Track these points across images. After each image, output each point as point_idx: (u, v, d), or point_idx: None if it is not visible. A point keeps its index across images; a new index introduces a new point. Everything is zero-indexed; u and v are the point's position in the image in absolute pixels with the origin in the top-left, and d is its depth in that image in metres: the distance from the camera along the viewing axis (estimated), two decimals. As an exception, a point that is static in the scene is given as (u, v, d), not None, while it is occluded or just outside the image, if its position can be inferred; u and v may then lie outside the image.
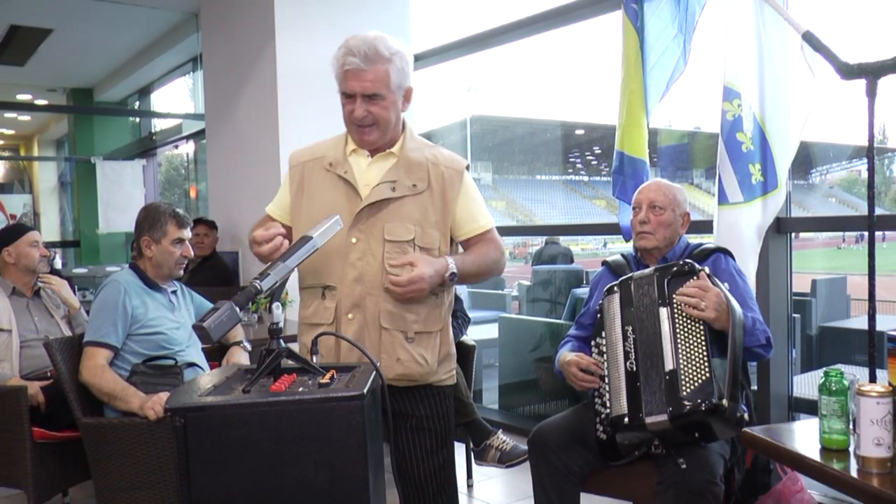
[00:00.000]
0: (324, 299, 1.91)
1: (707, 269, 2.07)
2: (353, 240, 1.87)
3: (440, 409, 1.98)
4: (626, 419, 1.98)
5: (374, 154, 1.94)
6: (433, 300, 1.91)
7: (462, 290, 4.50)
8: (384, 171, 1.91)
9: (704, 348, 1.93)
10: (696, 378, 1.90)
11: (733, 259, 2.33)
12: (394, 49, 1.86)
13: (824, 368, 1.59)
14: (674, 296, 2.01)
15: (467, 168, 1.98)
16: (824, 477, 1.51)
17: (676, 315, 1.99)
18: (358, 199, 1.89)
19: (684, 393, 1.88)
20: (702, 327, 1.96)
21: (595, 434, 2.13)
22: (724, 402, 1.84)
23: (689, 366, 1.92)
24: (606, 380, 2.10)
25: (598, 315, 2.20)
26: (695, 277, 2.03)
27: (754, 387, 2.93)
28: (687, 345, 1.95)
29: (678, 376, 1.91)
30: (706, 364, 1.91)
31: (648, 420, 1.93)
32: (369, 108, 1.86)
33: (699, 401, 1.85)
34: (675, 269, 2.07)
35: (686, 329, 1.97)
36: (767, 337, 2.13)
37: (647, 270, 2.14)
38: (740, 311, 1.99)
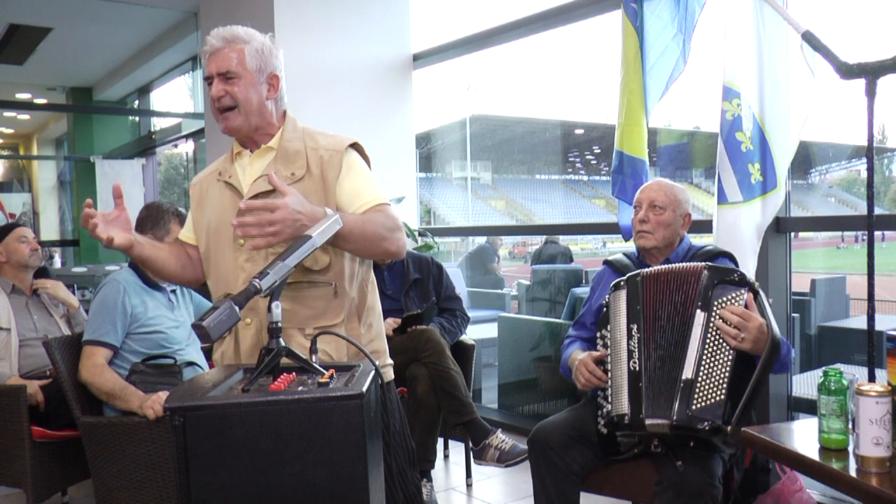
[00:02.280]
0: None
1: (757, 285, 1.99)
2: (241, 241, 1.80)
3: None
4: (627, 419, 1.98)
5: (254, 152, 1.90)
6: (328, 292, 1.81)
7: (461, 290, 4.51)
8: (264, 165, 1.86)
9: (728, 368, 1.89)
10: (710, 396, 1.87)
11: (736, 264, 2.30)
12: (254, 35, 1.88)
13: (823, 368, 1.59)
14: (714, 305, 1.95)
15: (355, 147, 1.90)
16: (823, 476, 1.51)
17: (711, 325, 1.94)
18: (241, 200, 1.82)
19: (694, 407, 1.87)
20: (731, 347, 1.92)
21: (596, 427, 2.13)
22: (728, 428, 1.83)
23: (708, 381, 1.88)
24: (609, 376, 2.09)
25: (605, 309, 2.18)
26: (742, 290, 1.96)
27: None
28: (712, 359, 1.91)
29: (694, 388, 1.88)
30: (724, 385, 1.87)
31: (648, 422, 1.93)
32: (226, 87, 1.82)
33: (704, 419, 1.84)
34: (726, 272, 1.99)
35: (715, 342, 1.92)
36: (791, 359, 2.12)
37: (692, 264, 2.07)
38: (780, 343, 1.91)
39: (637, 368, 1.99)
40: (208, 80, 1.85)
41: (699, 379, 1.89)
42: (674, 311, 2.00)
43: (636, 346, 2.02)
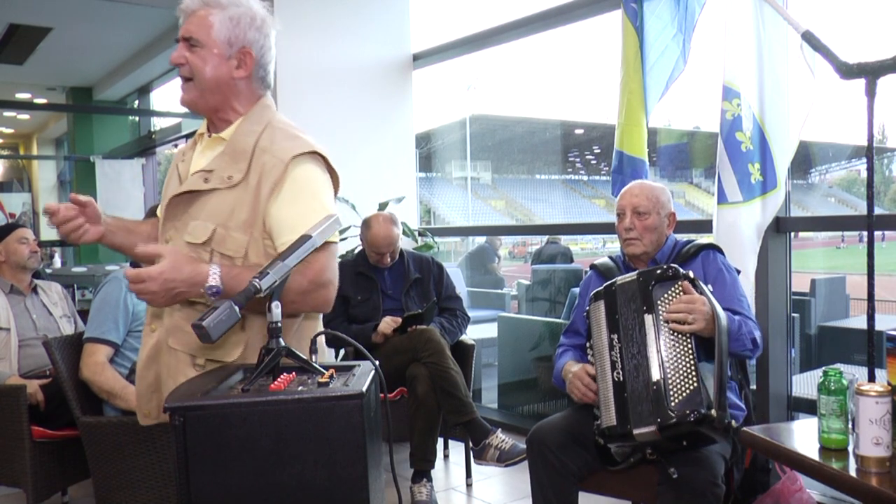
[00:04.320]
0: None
1: (691, 274, 2.01)
2: (167, 238, 1.64)
3: None
4: (617, 430, 1.95)
5: (208, 140, 1.68)
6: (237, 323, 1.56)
7: (461, 290, 4.51)
8: (210, 158, 1.64)
9: (691, 356, 1.89)
10: (683, 388, 1.86)
11: (722, 254, 2.30)
12: (233, 4, 1.63)
13: (823, 368, 1.59)
14: (658, 304, 1.96)
15: (314, 158, 1.62)
16: (823, 476, 1.51)
17: (662, 322, 1.94)
18: None
19: (672, 404, 1.85)
20: (688, 334, 1.92)
21: (594, 437, 2.12)
22: (713, 412, 1.81)
23: (677, 375, 1.88)
24: (598, 389, 2.08)
25: (588, 319, 2.16)
26: (678, 282, 1.98)
27: (753, 386, 2.94)
28: (674, 352, 1.91)
29: (666, 387, 1.87)
30: (693, 373, 1.87)
31: (636, 431, 1.90)
32: (186, 53, 1.60)
33: (687, 412, 1.82)
34: (658, 272, 2.01)
35: (672, 336, 1.93)
36: (753, 339, 2.11)
37: (630, 276, 2.08)
38: (725, 317, 1.94)
39: (620, 379, 1.96)
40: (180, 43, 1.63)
41: (668, 376, 1.88)
42: (631, 318, 2.00)
43: (618, 356, 1.99)
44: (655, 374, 1.89)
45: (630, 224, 2.30)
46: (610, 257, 2.44)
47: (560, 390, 2.29)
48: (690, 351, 1.90)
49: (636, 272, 2.08)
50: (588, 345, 2.17)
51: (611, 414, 1.97)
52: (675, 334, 1.92)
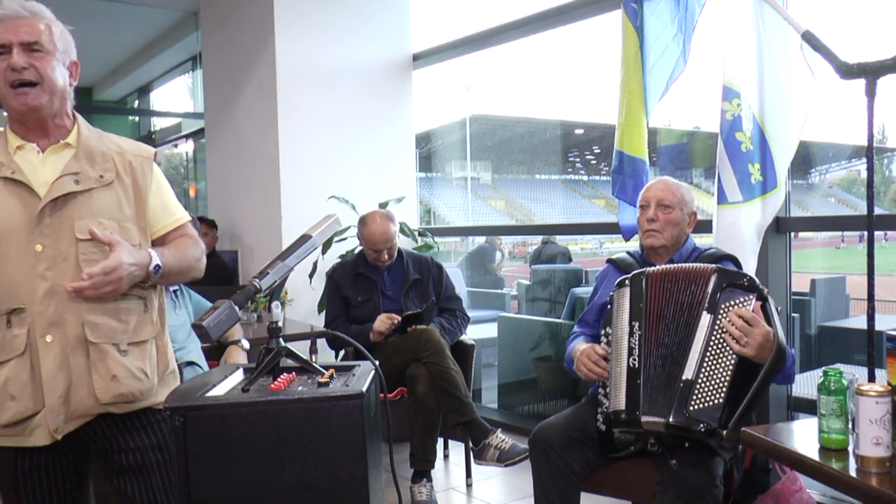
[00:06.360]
0: (10, 327, 1.58)
1: (766, 292, 1.95)
2: (38, 247, 1.58)
3: (166, 440, 1.72)
4: (623, 415, 1.97)
5: (45, 149, 1.65)
6: (140, 305, 1.69)
7: (461, 290, 4.51)
8: (63, 163, 1.64)
9: (729, 371, 1.87)
10: (708, 398, 1.86)
11: (739, 267, 2.30)
12: (56, 19, 1.72)
13: (823, 368, 1.59)
14: (721, 308, 1.93)
15: (155, 158, 1.81)
16: (823, 476, 1.51)
17: (716, 328, 1.92)
18: (36, 200, 1.59)
19: (691, 408, 1.86)
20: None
21: (596, 424, 2.13)
22: (724, 432, 1.82)
23: (708, 383, 1.87)
24: (610, 372, 2.09)
25: (609, 307, 2.17)
26: (750, 297, 1.93)
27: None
28: (714, 360, 1.89)
29: (693, 389, 1.87)
30: (724, 388, 1.86)
31: (644, 419, 1.93)
32: (30, 59, 1.59)
33: (701, 421, 1.83)
34: (733, 275, 1.98)
35: (718, 345, 1.90)
36: (794, 370, 2.11)
37: (702, 265, 2.05)
38: (787, 353, 1.90)
39: (636, 365, 1.99)
40: (2, 49, 1.59)
41: (699, 381, 1.88)
42: (679, 310, 1.99)
43: (636, 343, 2.01)
44: (687, 373, 1.90)
45: (653, 215, 2.34)
46: (628, 252, 2.46)
47: (570, 372, 2.29)
48: (731, 365, 1.88)
49: (714, 265, 2.04)
50: (604, 332, 2.18)
51: (620, 398, 1.99)
52: (723, 344, 1.90)
